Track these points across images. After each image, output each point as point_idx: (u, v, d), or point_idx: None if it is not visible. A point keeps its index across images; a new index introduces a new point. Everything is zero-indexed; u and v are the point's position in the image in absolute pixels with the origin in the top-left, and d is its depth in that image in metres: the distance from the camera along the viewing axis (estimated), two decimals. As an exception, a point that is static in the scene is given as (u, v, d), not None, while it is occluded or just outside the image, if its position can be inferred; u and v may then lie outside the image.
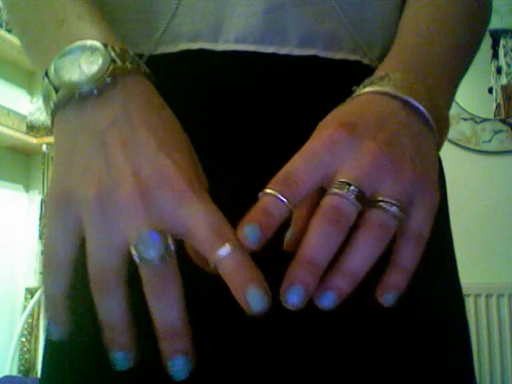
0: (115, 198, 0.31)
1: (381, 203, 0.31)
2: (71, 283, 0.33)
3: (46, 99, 0.35)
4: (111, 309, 0.31)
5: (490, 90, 2.27)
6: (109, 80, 0.33)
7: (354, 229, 0.32)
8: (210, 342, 0.40)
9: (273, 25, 0.43)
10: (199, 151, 0.38)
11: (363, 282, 0.32)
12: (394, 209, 0.31)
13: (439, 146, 0.38)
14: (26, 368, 2.25)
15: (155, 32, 0.44)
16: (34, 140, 2.31)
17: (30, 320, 2.23)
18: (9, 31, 2.17)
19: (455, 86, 0.44)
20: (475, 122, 2.23)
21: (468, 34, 0.45)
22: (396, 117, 0.35)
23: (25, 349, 2.24)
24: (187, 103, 0.43)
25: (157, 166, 0.31)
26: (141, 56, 0.43)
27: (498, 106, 2.26)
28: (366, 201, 0.32)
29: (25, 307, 2.23)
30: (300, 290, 0.30)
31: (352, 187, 0.31)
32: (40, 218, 2.32)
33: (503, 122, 2.23)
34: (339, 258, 0.31)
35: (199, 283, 0.35)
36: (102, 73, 0.33)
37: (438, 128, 0.36)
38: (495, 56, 2.27)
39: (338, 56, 0.44)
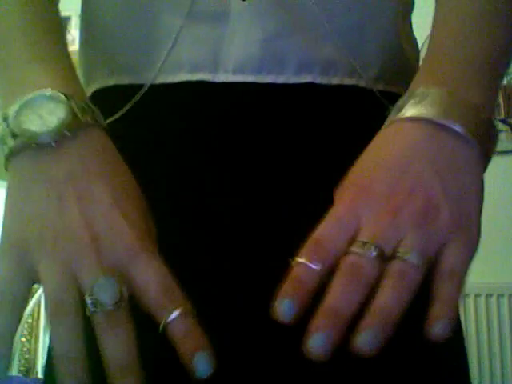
0: (70, 247, 0.32)
1: (398, 254, 0.32)
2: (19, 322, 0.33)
3: (2, 142, 0.35)
4: (66, 338, 0.31)
5: (490, 90, 2.27)
6: (68, 134, 0.33)
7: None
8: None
9: (271, 53, 0.43)
10: (194, 183, 0.39)
11: None
12: (413, 255, 0.31)
13: (486, 162, 0.37)
14: (26, 368, 2.25)
15: (156, 61, 0.44)
16: (34, 140, 2.31)
17: (29, 320, 2.23)
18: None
19: (497, 87, 0.42)
20: (475, 122, 2.23)
21: (506, 31, 0.43)
22: (426, 153, 0.35)
23: (25, 349, 2.24)
24: (186, 134, 0.44)
25: (110, 221, 0.32)
26: (141, 86, 0.44)
27: (497, 106, 2.26)
28: (386, 257, 0.32)
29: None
30: (323, 338, 0.30)
31: (370, 245, 0.32)
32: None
33: (503, 122, 2.23)
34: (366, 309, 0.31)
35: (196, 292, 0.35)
36: (62, 126, 0.33)
37: (482, 142, 0.36)
38: (495, 56, 2.27)
39: (335, 81, 0.45)
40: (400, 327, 0.41)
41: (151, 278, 0.32)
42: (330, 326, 0.30)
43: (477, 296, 1.95)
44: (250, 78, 0.44)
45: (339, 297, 0.31)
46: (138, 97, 0.43)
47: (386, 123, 0.38)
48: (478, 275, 2.01)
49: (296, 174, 0.41)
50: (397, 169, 0.34)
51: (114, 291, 0.31)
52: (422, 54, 0.44)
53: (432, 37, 0.43)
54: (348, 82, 0.45)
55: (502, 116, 2.24)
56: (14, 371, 2.18)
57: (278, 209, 0.42)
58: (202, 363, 0.30)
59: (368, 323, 0.30)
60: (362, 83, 0.45)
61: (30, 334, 2.26)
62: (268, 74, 0.44)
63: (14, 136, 0.33)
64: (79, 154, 0.34)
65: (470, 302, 1.92)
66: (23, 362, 2.25)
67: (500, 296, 1.95)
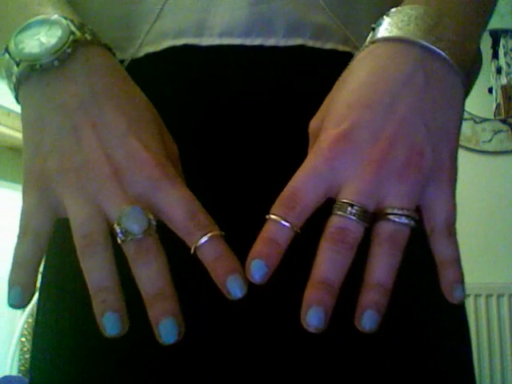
0: (93, 180, 0.32)
1: (389, 215, 0.32)
2: (44, 252, 0.33)
3: (9, 74, 0.35)
4: (99, 269, 0.31)
5: (490, 90, 2.27)
6: (69, 50, 0.33)
7: (371, 242, 0.32)
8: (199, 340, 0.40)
9: (259, 16, 0.42)
10: (183, 147, 0.38)
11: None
12: (402, 219, 0.32)
13: (467, 89, 0.36)
14: (26, 368, 2.25)
15: (139, 34, 0.43)
16: (34, 140, 2.31)
17: (29, 320, 2.23)
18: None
19: (483, 20, 0.40)
20: (475, 121, 2.23)
21: None
22: (414, 88, 0.33)
23: (25, 349, 2.24)
24: (171, 102, 0.42)
25: (128, 149, 0.32)
26: (122, 61, 0.42)
27: (498, 105, 2.26)
28: (371, 215, 0.32)
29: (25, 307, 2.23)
30: (319, 311, 0.30)
31: (354, 207, 0.31)
32: (40, 218, 2.31)
33: (503, 122, 2.23)
34: (364, 277, 0.32)
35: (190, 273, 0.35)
36: (61, 43, 0.33)
37: (464, 67, 0.34)
38: (495, 56, 2.27)
39: (328, 46, 0.43)
40: (397, 332, 0.41)
41: (175, 204, 0.32)
42: (323, 297, 0.30)
43: (477, 296, 1.95)
44: (237, 41, 0.42)
45: (328, 266, 0.31)
46: None
47: (366, 43, 0.36)
48: (478, 275, 2.01)
49: (286, 136, 0.40)
50: (381, 108, 0.33)
51: (142, 219, 0.31)
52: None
53: None
54: (342, 48, 0.43)
55: (502, 116, 2.24)
56: (14, 371, 2.18)
57: (268, 171, 0.41)
58: (235, 285, 0.31)
59: (369, 301, 0.31)
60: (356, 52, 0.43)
61: (29, 333, 2.26)
62: (256, 37, 0.42)
63: (18, 63, 0.33)
64: (85, 74, 0.33)
65: (470, 301, 1.92)
66: (23, 361, 2.25)
67: (500, 296, 1.95)
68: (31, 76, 0.33)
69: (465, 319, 0.48)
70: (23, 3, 0.37)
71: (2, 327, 2.23)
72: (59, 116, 0.33)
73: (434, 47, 0.34)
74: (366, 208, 0.31)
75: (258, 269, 0.31)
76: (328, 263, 0.31)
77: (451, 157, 0.33)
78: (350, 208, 0.31)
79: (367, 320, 0.31)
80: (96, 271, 0.31)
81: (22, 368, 2.24)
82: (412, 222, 0.32)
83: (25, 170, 0.34)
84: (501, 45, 2.26)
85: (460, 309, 0.47)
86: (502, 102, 2.25)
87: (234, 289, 0.31)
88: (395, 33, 0.34)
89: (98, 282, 0.31)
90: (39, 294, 0.47)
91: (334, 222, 0.32)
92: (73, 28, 0.34)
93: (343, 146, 0.32)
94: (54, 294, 0.45)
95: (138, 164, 0.32)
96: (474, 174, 2.16)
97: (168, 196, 0.32)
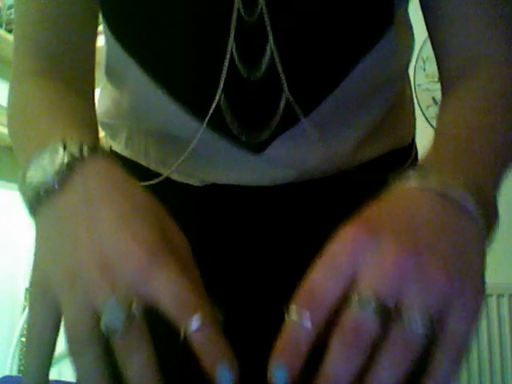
0: (84, 278, 0.32)
1: (405, 317, 0.30)
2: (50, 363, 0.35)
3: (23, 202, 0.38)
4: (85, 365, 0.31)
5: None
6: (66, 172, 0.36)
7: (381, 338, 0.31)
8: None
9: (263, 174, 0.56)
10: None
11: None
12: (419, 325, 0.30)
13: (487, 239, 0.36)
14: (26, 368, 2.24)
15: (170, 166, 0.57)
16: (33, 140, 2.30)
17: (29, 320, 2.23)
18: (9, 31, 2.17)
19: (502, 173, 0.43)
20: (475, 121, 2.23)
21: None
22: (429, 212, 0.33)
23: (25, 349, 2.24)
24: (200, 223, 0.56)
25: (117, 242, 0.33)
26: (159, 174, 0.57)
27: (498, 105, 2.26)
28: (389, 311, 0.30)
29: (25, 307, 2.23)
30: None
31: (373, 302, 0.30)
32: (40, 218, 2.31)
33: (503, 121, 2.22)
34: (365, 378, 0.30)
35: None
36: (59, 168, 0.36)
37: (485, 220, 0.35)
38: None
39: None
40: None
41: (164, 291, 0.32)
42: None
43: (477, 296, 1.95)
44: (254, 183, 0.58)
45: (339, 363, 0.29)
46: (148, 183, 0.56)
47: (393, 189, 0.36)
48: (478, 275, 2.01)
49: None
50: (404, 216, 0.33)
51: (120, 311, 0.31)
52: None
53: (439, 131, 0.44)
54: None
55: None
56: (14, 371, 2.18)
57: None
58: (223, 374, 0.30)
59: None
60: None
61: (29, 333, 2.25)
62: (264, 180, 0.57)
63: (26, 193, 0.37)
64: (82, 185, 0.36)
65: (470, 301, 1.92)
66: (23, 361, 2.24)
67: (500, 296, 1.95)
68: (40, 201, 0.36)
69: None
70: (36, 133, 0.43)
71: (2, 327, 2.23)
72: (58, 226, 0.35)
73: (452, 193, 0.34)
74: (385, 303, 0.30)
75: (281, 375, 0.30)
76: (341, 361, 0.29)
77: (476, 283, 0.32)
78: (367, 300, 0.30)
79: None
80: (82, 367, 0.32)
81: (22, 368, 2.23)
82: (429, 331, 0.30)
83: (30, 279, 0.35)
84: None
85: None
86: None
87: (223, 377, 0.30)
88: (412, 184, 0.36)
89: (85, 378, 0.32)
90: None
91: (350, 319, 0.30)
92: (72, 149, 0.37)
93: (365, 234, 0.32)
94: None
95: (124, 256, 0.32)
96: (474, 174, 2.15)
97: (156, 282, 0.32)
